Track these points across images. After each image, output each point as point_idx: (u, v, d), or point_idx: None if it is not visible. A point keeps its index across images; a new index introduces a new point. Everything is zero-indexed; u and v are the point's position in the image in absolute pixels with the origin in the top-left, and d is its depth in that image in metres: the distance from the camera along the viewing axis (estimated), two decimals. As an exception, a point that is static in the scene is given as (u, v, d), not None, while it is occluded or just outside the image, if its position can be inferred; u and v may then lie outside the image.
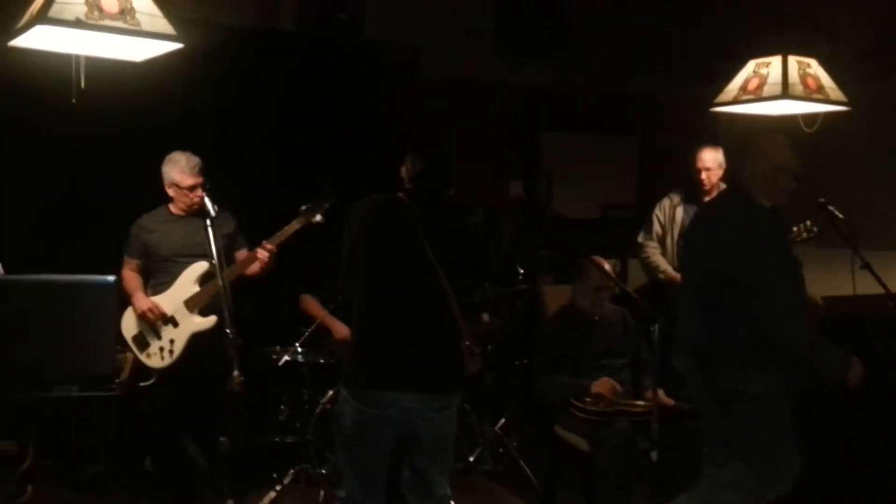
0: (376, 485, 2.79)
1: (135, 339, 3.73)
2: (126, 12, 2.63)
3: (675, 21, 6.19)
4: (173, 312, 3.70)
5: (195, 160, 3.66)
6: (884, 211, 4.78)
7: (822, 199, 3.48)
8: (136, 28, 2.65)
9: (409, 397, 2.65)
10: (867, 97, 4.20)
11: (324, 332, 4.17)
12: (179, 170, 3.66)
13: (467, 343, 2.72)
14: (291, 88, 4.83)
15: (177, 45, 2.77)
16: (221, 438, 3.02)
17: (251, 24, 4.99)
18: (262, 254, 3.64)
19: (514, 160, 6.09)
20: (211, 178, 3.60)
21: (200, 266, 3.70)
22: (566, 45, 6.15)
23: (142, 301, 3.70)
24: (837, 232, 3.44)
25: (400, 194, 2.78)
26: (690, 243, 3.26)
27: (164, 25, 2.72)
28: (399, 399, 2.65)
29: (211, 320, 3.67)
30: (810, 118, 4.11)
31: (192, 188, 3.65)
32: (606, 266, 3.82)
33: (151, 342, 3.72)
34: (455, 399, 2.76)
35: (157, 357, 3.69)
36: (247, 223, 3.89)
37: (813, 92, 3.76)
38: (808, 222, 4.03)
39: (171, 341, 3.68)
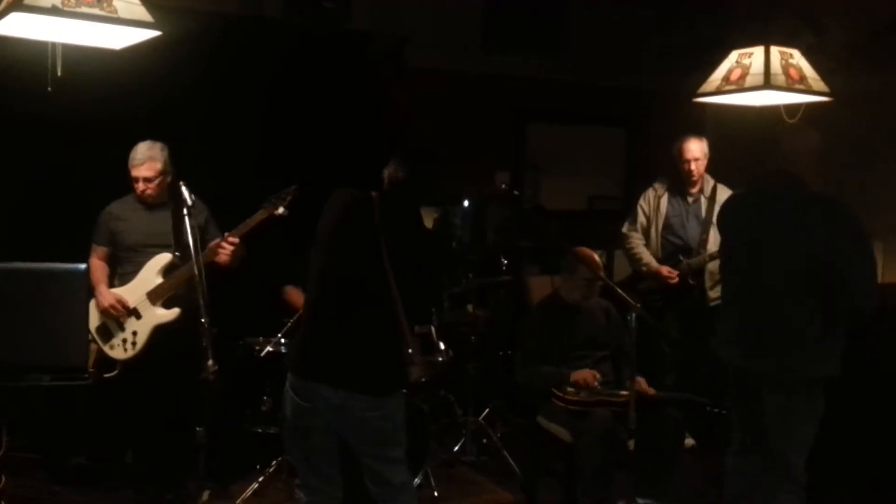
0: (328, 473, 2.82)
1: (98, 329, 3.71)
2: (103, -1, 2.61)
3: (662, 12, 6.18)
4: (136, 304, 3.68)
5: (147, 154, 3.63)
6: (869, 202, 4.79)
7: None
8: (113, 15, 2.63)
9: (341, 395, 2.66)
10: (853, 90, 4.21)
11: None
12: (130, 158, 3.67)
13: (410, 351, 2.73)
14: (276, 77, 4.80)
15: (154, 33, 2.75)
16: (198, 429, 3.01)
17: (235, 11, 4.96)
18: (225, 246, 3.62)
19: (500, 151, 6.09)
20: (192, 167, 3.58)
21: (163, 258, 3.69)
22: (553, 37, 6.13)
23: (105, 296, 3.67)
24: None
25: (374, 193, 2.82)
26: (749, 236, 3.14)
27: (142, 13, 2.69)
28: (329, 394, 2.67)
29: (174, 312, 3.66)
30: (792, 108, 4.11)
31: (136, 179, 3.65)
32: (597, 258, 3.83)
33: (115, 333, 3.70)
34: (389, 400, 2.74)
35: (119, 349, 3.68)
36: (228, 212, 3.87)
37: (795, 82, 3.75)
38: None
39: (134, 333, 3.67)
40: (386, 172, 2.83)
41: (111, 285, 3.76)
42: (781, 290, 2.99)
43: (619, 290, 3.35)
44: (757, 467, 3.17)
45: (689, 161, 4.59)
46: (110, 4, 2.65)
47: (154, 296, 3.68)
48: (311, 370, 2.74)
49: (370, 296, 2.72)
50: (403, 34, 5.36)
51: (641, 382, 3.66)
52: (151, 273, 3.69)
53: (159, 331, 3.67)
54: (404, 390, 2.86)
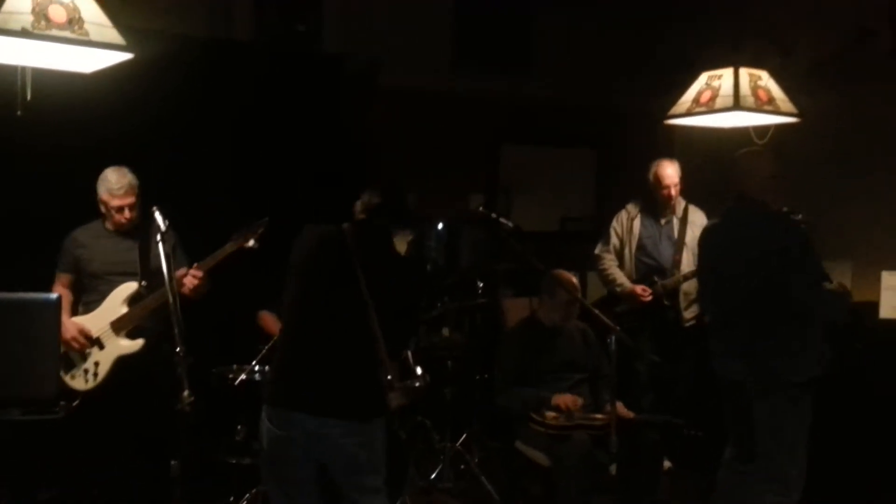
0: None
1: (59, 358, 3.59)
2: (74, 22, 2.56)
3: (633, 35, 6.26)
4: (99, 334, 3.57)
5: (124, 180, 3.55)
6: (837, 221, 4.86)
7: (785, 208, 3.53)
8: (85, 38, 2.59)
9: (317, 422, 2.67)
10: (820, 109, 4.29)
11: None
12: (106, 189, 3.56)
13: (389, 377, 2.73)
14: (248, 100, 4.76)
15: (127, 56, 2.71)
16: (172, 462, 2.92)
17: (206, 34, 4.92)
18: (189, 280, 3.54)
19: (473, 173, 6.09)
20: (162, 193, 3.50)
21: (128, 287, 3.59)
22: (525, 59, 6.18)
23: (66, 326, 3.52)
24: None
25: (345, 226, 2.88)
26: (729, 260, 3.33)
27: (114, 35, 2.66)
28: (307, 421, 2.67)
29: (137, 343, 3.56)
30: (762, 129, 4.17)
31: (119, 209, 3.56)
32: (573, 280, 3.83)
33: (76, 364, 3.57)
34: (370, 428, 2.75)
35: (80, 379, 3.56)
36: (198, 239, 3.79)
37: (764, 104, 3.82)
38: None
39: (96, 364, 3.55)
40: (359, 203, 2.91)
41: (75, 313, 3.65)
42: (755, 305, 3.20)
43: (598, 313, 3.35)
44: (748, 478, 3.28)
45: (667, 187, 4.61)
46: (82, 27, 2.61)
47: (118, 326, 3.57)
48: (287, 398, 2.73)
49: (348, 325, 2.73)
50: (375, 56, 5.36)
51: (620, 406, 3.66)
52: (116, 302, 3.59)
53: (122, 362, 3.56)
54: (383, 418, 2.83)
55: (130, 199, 3.56)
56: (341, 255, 2.78)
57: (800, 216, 3.52)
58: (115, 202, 3.55)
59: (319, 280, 2.81)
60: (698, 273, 3.70)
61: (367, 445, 2.72)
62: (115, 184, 3.54)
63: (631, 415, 3.66)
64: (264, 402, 2.81)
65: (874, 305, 4.42)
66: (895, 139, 4.96)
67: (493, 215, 4.11)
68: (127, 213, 3.57)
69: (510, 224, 4.04)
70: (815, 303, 3.21)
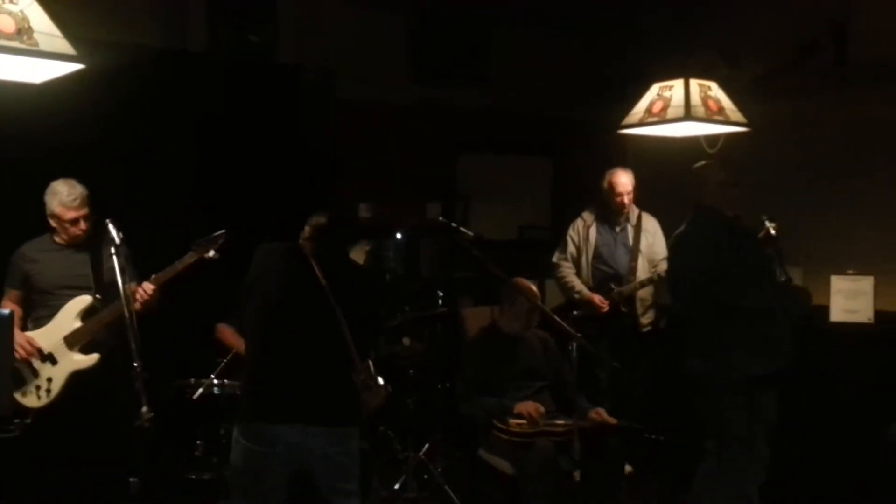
0: None
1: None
2: (23, 32, 2.51)
3: (588, 46, 6.35)
4: (51, 349, 3.47)
5: (77, 192, 3.47)
6: (785, 226, 4.98)
7: (764, 216, 3.66)
8: (34, 48, 2.53)
9: (300, 433, 2.70)
10: (767, 119, 4.40)
11: (241, 361, 4.03)
12: (59, 202, 3.47)
13: (362, 377, 2.81)
14: (203, 111, 4.71)
15: (78, 66, 2.66)
16: (131, 479, 2.85)
17: (160, 44, 4.86)
18: (141, 293, 3.46)
19: (430, 182, 6.10)
20: (115, 204, 3.44)
21: (82, 300, 3.50)
22: (480, 69, 6.21)
23: (15, 339, 3.41)
24: (770, 247, 3.60)
25: (301, 242, 2.97)
26: (687, 267, 3.51)
27: (64, 46, 2.60)
28: (289, 434, 2.70)
29: (92, 358, 3.47)
30: (712, 139, 4.26)
31: (73, 221, 3.48)
32: (533, 288, 3.85)
33: (28, 380, 3.47)
34: (349, 433, 2.82)
35: (32, 396, 3.45)
36: (152, 249, 3.72)
37: (714, 114, 3.89)
38: None
39: (49, 380, 3.45)
40: (308, 225, 3.00)
41: (24, 329, 3.55)
42: (712, 307, 3.34)
43: (559, 320, 3.38)
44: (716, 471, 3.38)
45: (621, 195, 4.69)
46: (31, 37, 2.55)
47: (71, 340, 3.47)
48: (266, 413, 2.74)
49: (320, 334, 2.78)
50: (330, 67, 5.35)
51: (601, 412, 3.69)
52: (69, 316, 3.50)
53: (77, 377, 3.46)
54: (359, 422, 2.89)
55: (84, 211, 3.48)
56: (304, 267, 2.82)
57: (766, 221, 3.61)
58: (70, 214, 3.47)
59: (286, 293, 2.85)
60: (669, 280, 3.75)
61: (348, 452, 2.79)
62: (67, 196, 3.46)
63: (614, 421, 3.69)
64: (238, 420, 2.81)
65: (825, 309, 4.54)
66: (840, 147, 5.10)
67: (453, 224, 4.13)
68: (82, 225, 3.49)
69: (470, 233, 4.05)
70: (773, 300, 3.35)
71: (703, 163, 3.66)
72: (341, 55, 5.50)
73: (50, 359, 3.47)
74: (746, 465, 3.32)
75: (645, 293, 4.72)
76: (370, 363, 3.91)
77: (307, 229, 2.99)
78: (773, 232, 3.60)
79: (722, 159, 3.63)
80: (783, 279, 3.56)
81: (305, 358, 2.78)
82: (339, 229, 3.01)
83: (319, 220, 2.98)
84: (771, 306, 3.35)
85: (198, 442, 3.95)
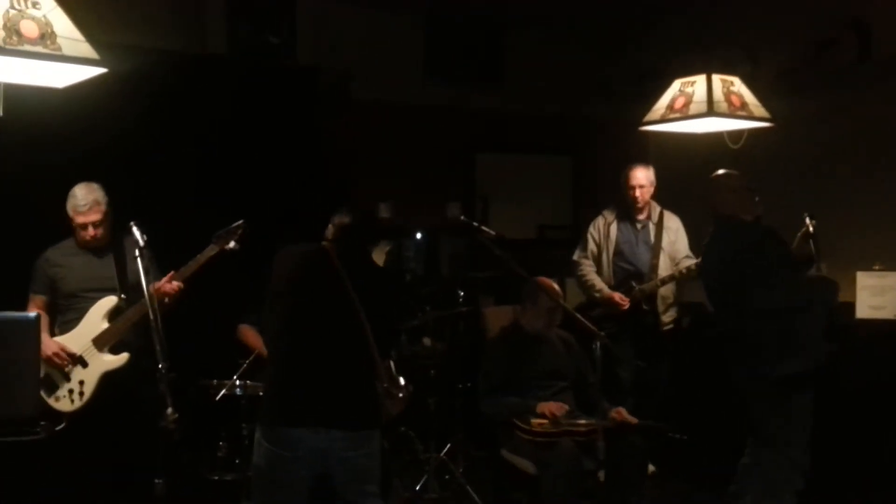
0: None
1: (42, 381, 3.47)
2: (46, 37, 2.52)
3: (606, 43, 6.31)
4: (82, 352, 3.50)
5: (91, 197, 3.49)
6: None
7: (805, 213, 3.64)
8: (58, 53, 2.55)
9: (322, 437, 2.70)
10: (790, 114, 4.35)
11: (263, 363, 4.05)
12: (72, 206, 3.50)
13: (385, 385, 2.85)
14: (223, 113, 4.73)
15: (100, 71, 2.67)
16: (156, 480, 2.87)
17: (180, 48, 4.88)
18: (167, 287, 3.48)
19: (450, 182, 6.10)
20: (139, 206, 3.46)
21: (108, 301, 3.53)
22: (497, 68, 6.21)
23: (47, 344, 3.46)
24: (806, 244, 3.59)
25: (325, 244, 2.96)
26: (710, 274, 3.71)
27: (87, 50, 2.62)
28: (310, 438, 2.70)
29: (122, 358, 3.50)
30: (735, 134, 4.22)
31: (83, 226, 3.51)
32: (555, 286, 3.83)
33: (60, 385, 3.50)
34: (372, 436, 2.83)
35: (66, 400, 3.49)
36: (176, 251, 3.75)
37: (737, 109, 3.86)
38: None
39: (81, 383, 3.48)
40: (331, 224, 2.99)
41: (51, 335, 3.59)
42: (736, 309, 3.43)
43: (583, 319, 3.36)
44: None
45: (634, 188, 4.66)
46: (54, 42, 2.57)
47: (101, 342, 3.51)
48: (289, 416, 2.74)
49: (344, 338, 2.77)
50: (348, 68, 5.36)
51: (622, 412, 3.68)
52: (97, 318, 3.53)
53: (108, 378, 3.50)
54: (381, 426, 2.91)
55: (95, 217, 3.50)
56: (328, 269, 2.82)
57: (806, 217, 3.61)
58: (80, 219, 3.50)
59: (310, 295, 2.85)
60: (707, 290, 3.76)
61: (370, 455, 2.79)
62: (80, 200, 3.49)
63: (635, 420, 3.67)
64: (260, 422, 2.81)
65: (851, 306, 4.48)
66: (863, 143, 5.04)
67: (475, 223, 4.11)
68: (91, 231, 3.51)
69: (492, 232, 4.04)
70: (798, 298, 3.37)
71: (717, 173, 3.69)
72: (358, 57, 5.51)
73: (81, 362, 3.50)
74: (779, 467, 3.33)
75: (667, 291, 4.68)
76: (391, 364, 3.95)
77: (331, 229, 2.98)
78: (811, 229, 3.57)
79: (728, 172, 3.67)
80: (814, 273, 3.54)
81: (329, 361, 2.78)
82: (362, 229, 3.01)
83: (343, 220, 2.97)
84: (796, 305, 3.35)
85: (220, 443, 3.97)
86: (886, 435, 4.08)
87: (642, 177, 4.67)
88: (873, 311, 4.49)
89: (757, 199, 3.57)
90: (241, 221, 3.53)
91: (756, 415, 3.40)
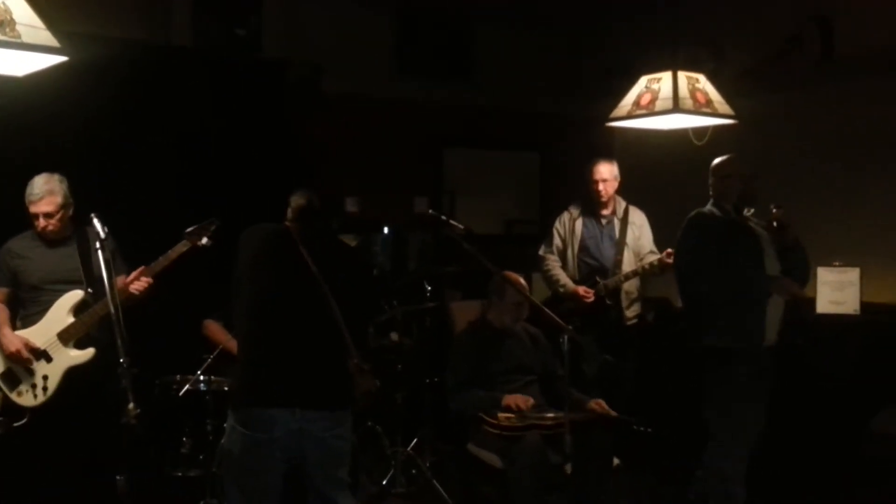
0: None
1: (3, 376, 3.45)
2: (6, 24, 2.47)
3: (574, 39, 6.35)
4: (46, 346, 3.44)
5: (46, 187, 3.43)
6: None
7: (772, 204, 3.67)
8: (17, 41, 2.50)
9: (297, 417, 2.70)
10: (752, 111, 4.41)
11: (228, 358, 4.00)
12: (27, 195, 3.45)
13: (356, 361, 2.79)
14: (189, 105, 4.67)
15: (61, 59, 2.63)
16: (118, 477, 2.83)
17: (144, 38, 4.81)
18: (138, 285, 3.45)
19: (417, 177, 6.09)
20: (101, 197, 3.40)
21: (74, 295, 3.47)
22: (466, 64, 6.21)
23: (10, 340, 3.41)
24: (776, 234, 3.65)
25: (287, 223, 2.95)
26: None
27: (48, 38, 2.57)
28: (285, 418, 2.69)
29: (88, 353, 3.45)
30: (700, 131, 4.27)
31: (35, 216, 3.45)
32: (521, 281, 3.84)
33: (22, 379, 3.43)
34: (345, 416, 2.84)
35: (29, 395, 3.42)
36: (141, 243, 3.69)
37: (702, 106, 3.90)
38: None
39: (45, 377, 3.42)
40: (289, 210, 2.97)
41: (13, 328, 3.51)
42: (697, 288, 3.66)
43: (550, 313, 3.37)
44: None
45: (597, 182, 4.68)
46: (13, 29, 2.51)
47: (66, 336, 3.44)
48: (264, 398, 2.72)
49: (313, 316, 2.77)
50: (316, 62, 5.32)
51: (602, 403, 3.70)
52: (62, 312, 3.46)
53: (73, 373, 3.44)
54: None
55: (46, 208, 3.44)
56: (292, 249, 2.81)
57: (773, 209, 3.64)
58: (31, 209, 3.44)
59: (276, 276, 2.84)
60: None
61: (343, 437, 2.80)
62: (34, 189, 3.44)
63: (614, 413, 3.69)
64: (234, 408, 2.79)
65: (811, 302, 4.56)
66: (825, 140, 5.13)
67: (443, 218, 4.11)
68: (42, 221, 3.45)
69: (460, 226, 4.04)
70: (748, 286, 3.53)
71: (722, 158, 3.75)
72: (327, 50, 5.48)
73: (45, 356, 3.43)
74: (729, 432, 3.51)
75: (630, 286, 4.72)
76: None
77: (288, 211, 2.97)
78: (778, 219, 3.61)
79: (725, 158, 3.75)
80: (779, 268, 3.61)
81: (300, 341, 2.77)
82: (320, 210, 2.98)
83: (299, 201, 2.95)
84: (747, 290, 3.50)
85: (184, 439, 3.93)
86: (845, 428, 4.17)
87: (605, 171, 4.70)
88: (833, 307, 4.58)
89: (747, 184, 3.66)
90: (213, 219, 3.49)
91: (705, 383, 3.59)
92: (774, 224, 3.61)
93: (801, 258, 3.64)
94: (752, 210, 3.73)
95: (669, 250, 4.33)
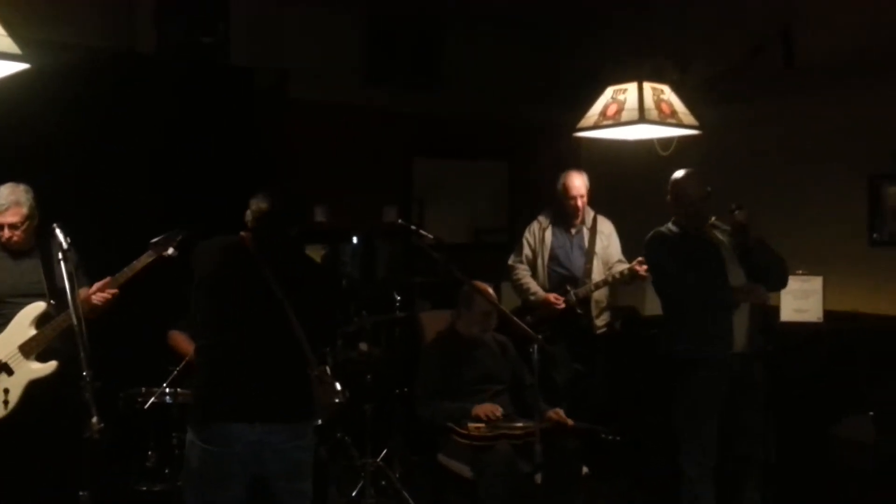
0: None
1: None
2: (-35, 31, 2.43)
3: (540, 49, 6.39)
4: (7, 359, 3.36)
5: (11, 198, 3.36)
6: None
7: (732, 205, 3.70)
8: (-24, 47, 2.45)
9: (257, 430, 2.67)
10: (716, 121, 4.47)
11: (193, 369, 3.94)
12: None
13: (317, 373, 2.77)
14: (153, 113, 4.61)
15: (23, 66, 2.59)
16: (81, 493, 2.76)
17: (108, 45, 4.74)
18: (99, 297, 3.39)
19: (386, 186, 6.08)
20: (64, 207, 3.34)
21: (37, 307, 3.40)
22: (436, 72, 6.21)
23: None
24: (738, 235, 3.70)
25: (242, 234, 2.86)
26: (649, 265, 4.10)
27: (9, 45, 2.54)
28: (245, 432, 2.66)
29: (50, 366, 3.38)
30: (665, 141, 4.32)
31: (1, 227, 3.39)
32: (489, 290, 3.84)
33: None
34: (306, 428, 2.81)
35: None
36: (104, 254, 3.63)
37: (667, 116, 3.95)
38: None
39: (6, 391, 3.33)
40: (248, 212, 2.88)
41: None
42: (664, 298, 3.83)
43: (519, 322, 3.37)
44: None
45: (574, 197, 4.69)
46: (-27, 36, 2.47)
47: (27, 349, 3.37)
48: (224, 412, 2.68)
49: (270, 329, 2.72)
50: (284, 68, 5.29)
51: (559, 412, 3.71)
52: (23, 324, 3.39)
53: (34, 386, 3.36)
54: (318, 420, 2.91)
55: (12, 219, 3.37)
56: (246, 261, 2.76)
57: (734, 210, 3.67)
58: None
59: (233, 289, 2.79)
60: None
61: (306, 448, 2.76)
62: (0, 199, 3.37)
63: (571, 422, 3.70)
64: (193, 422, 2.75)
65: (775, 309, 4.62)
66: (788, 149, 5.22)
67: (414, 227, 4.10)
68: (6, 232, 3.39)
69: (430, 236, 4.03)
70: (711, 296, 3.61)
71: (677, 175, 3.80)
72: (295, 57, 5.44)
73: (6, 369, 3.35)
74: (694, 437, 3.62)
75: (600, 295, 4.75)
76: (327, 369, 3.89)
77: (248, 215, 2.87)
78: (737, 221, 3.65)
79: (680, 174, 3.80)
80: (742, 273, 3.67)
81: (258, 354, 2.73)
82: (283, 215, 2.86)
83: (261, 205, 2.83)
84: (709, 301, 3.60)
85: (149, 453, 3.86)
86: (808, 436, 4.22)
87: (580, 185, 4.70)
88: (797, 315, 4.65)
89: (696, 204, 3.70)
90: (179, 229, 3.43)
91: (672, 389, 3.69)
92: (739, 221, 3.64)
93: (767, 258, 3.67)
94: (714, 218, 3.78)
95: (641, 259, 4.37)
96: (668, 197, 3.77)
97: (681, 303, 3.68)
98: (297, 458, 2.75)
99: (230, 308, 2.77)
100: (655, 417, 4.20)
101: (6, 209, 3.37)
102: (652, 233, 3.81)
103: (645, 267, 4.35)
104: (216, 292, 2.79)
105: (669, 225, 3.79)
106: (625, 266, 4.62)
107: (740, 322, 3.59)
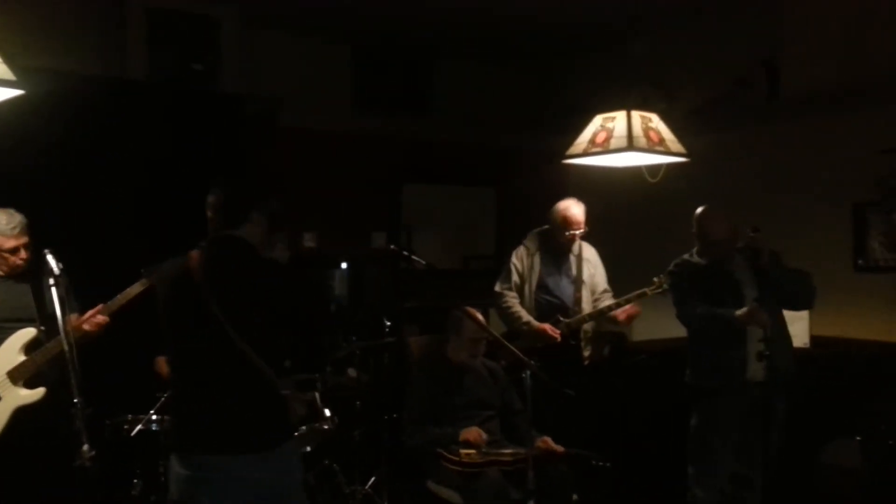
0: None
1: None
2: (-40, 57, 2.45)
3: (528, 77, 6.47)
4: None
5: (16, 220, 3.40)
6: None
7: (748, 228, 3.73)
8: (-29, 74, 2.47)
9: (235, 465, 2.53)
10: (701, 150, 4.53)
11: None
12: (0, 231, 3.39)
13: (285, 392, 2.63)
14: (145, 140, 4.62)
15: (17, 92, 2.60)
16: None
17: (99, 72, 4.76)
18: (91, 324, 3.38)
19: (375, 212, 6.10)
20: (54, 233, 3.33)
21: (26, 333, 3.40)
22: (424, 99, 6.27)
23: None
24: (753, 257, 3.70)
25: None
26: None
27: (4, 71, 2.56)
28: (217, 461, 2.54)
29: (38, 392, 3.36)
30: (654, 169, 4.36)
31: (13, 250, 3.39)
32: (479, 316, 3.85)
33: None
34: (283, 452, 2.62)
35: None
36: (94, 281, 3.62)
37: (655, 144, 3.98)
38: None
39: None
40: (208, 202, 2.71)
41: None
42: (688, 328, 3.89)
43: (513, 348, 3.38)
44: None
45: (576, 231, 4.59)
46: (-32, 62, 2.49)
47: (16, 375, 3.35)
48: (192, 444, 2.61)
49: (219, 354, 2.56)
50: (274, 96, 5.32)
51: (548, 441, 3.69)
52: (12, 350, 3.38)
53: (21, 413, 3.34)
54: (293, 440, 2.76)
55: (25, 239, 3.40)
56: (192, 292, 2.58)
57: (750, 233, 3.70)
58: (10, 243, 3.38)
59: (178, 315, 2.67)
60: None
61: (286, 472, 2.62)
62: (6, 224, 3.37)
63: (561, 449, 3.69)
64: (171, 450, 2.70)
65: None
66: (773, 178, 5.29)
67: (405, 253, 4.09)
68: (23, 254, 3.41)
69: (422, 262, 4.04)
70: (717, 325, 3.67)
71: (701, 211, 3.85)
72: (285, 84, 5.48)
73: None
74: (703, 461, 3.71)
75: (590, 326, 4.72)
76: (316, 396, 3.87)
77: (208, 213, 2.74)
78: (749, 245, 3.67)
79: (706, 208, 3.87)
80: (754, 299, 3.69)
81: (211, 383, 2.59)
82: (235, 200, 2.69)
83: (210, 199, 2.70)
84: (720, 329, 3.65)
85: (135, 480, 3.82)
86: (794, 460, 4.23)
87: (582, 217, 4.59)
88: (783, 341, 4.66)
89: (718, 236, 3.75)
90: (173, 258, 3.41)
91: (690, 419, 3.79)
92: (754, 245, 3.66)
93: (785, 278, 3.67)
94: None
95: (629, 310, 4.45)
96: (694, 228, 3.86)
97: (697, 333, 3.79)
98: (275, 486, 2.58)
99: (181, 336, 2.67)
100: (646, 443, 4.21)
101: (19, 231, 3.40)
102: (676, 261, 3.92)
103: (625, 315, 4.45)
104: (169, 318, 2.70)
105: (694, 252, 3.89)
106: (611, 302, 4.61)
107: (753, 349, 3.64)
